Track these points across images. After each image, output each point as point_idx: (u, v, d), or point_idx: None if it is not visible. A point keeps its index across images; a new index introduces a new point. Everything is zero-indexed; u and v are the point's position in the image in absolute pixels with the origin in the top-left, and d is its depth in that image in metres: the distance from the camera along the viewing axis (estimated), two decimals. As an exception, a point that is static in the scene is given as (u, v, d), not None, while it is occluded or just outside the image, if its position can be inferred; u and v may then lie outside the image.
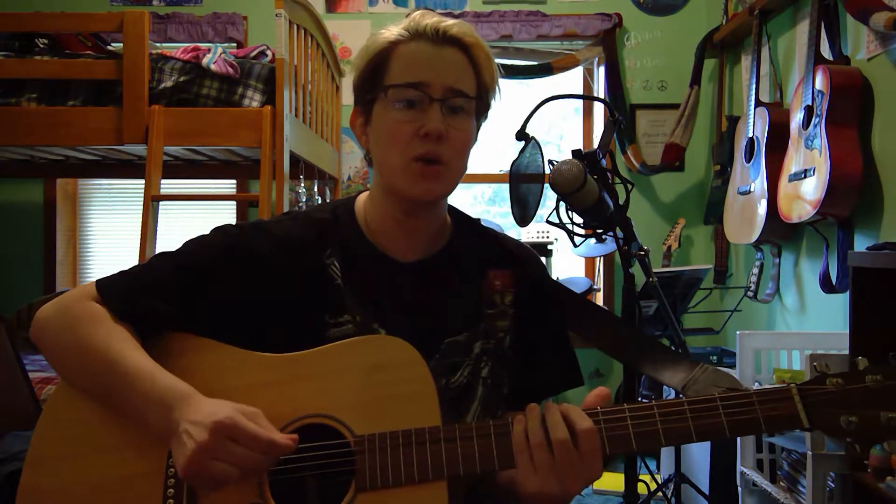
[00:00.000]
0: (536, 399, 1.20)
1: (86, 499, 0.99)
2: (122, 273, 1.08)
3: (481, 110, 1.11)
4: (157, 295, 1.05)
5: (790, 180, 2.59)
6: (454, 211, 1.20)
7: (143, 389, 0.98)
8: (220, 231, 1.12)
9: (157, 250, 1.96)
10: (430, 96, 1.04)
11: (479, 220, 1.23)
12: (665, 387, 2.93)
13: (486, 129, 1.17)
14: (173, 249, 1.10)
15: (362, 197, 1.17)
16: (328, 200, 3.65)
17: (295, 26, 2.85)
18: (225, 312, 1.07)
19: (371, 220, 1.14)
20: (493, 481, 1.10)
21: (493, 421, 0.97)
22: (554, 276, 3.74)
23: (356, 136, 1.13)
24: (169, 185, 3.55)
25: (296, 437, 0.95)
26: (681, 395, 1.02)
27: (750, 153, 2.95)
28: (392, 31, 1.07)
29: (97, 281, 1.07)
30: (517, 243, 1.23)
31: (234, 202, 4.04)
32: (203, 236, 1.12)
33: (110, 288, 1.06)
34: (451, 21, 1.07)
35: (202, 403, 0.95)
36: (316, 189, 3.55)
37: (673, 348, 2.28)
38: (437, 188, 1.07)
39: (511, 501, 1.08)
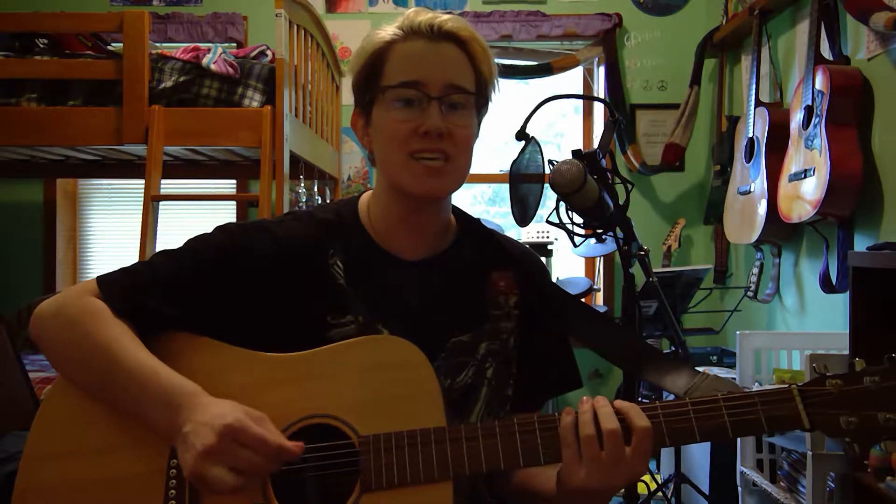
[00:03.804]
0: (537, 401, 1.20)
1: (85, 497, 0.99)
2: (123, 270, 1.08)
3: (481, 104, 1.10)
4: (159, 294, 1.04)
5: (790, 180, 2.59)
6: (458, 211, 1.20)
7: (146, 386, 0.97)
8: (221, 230, 1.11)
9: (157, 250, 1.96)
10: (427, 95, 1.03)
11: (479, 220, 1.23)
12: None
13: (486, 129, 1.17)
14: (175, 248, 1.10)
15: (366, 196, 1.17)
16: (328, 200, 3.65)
17: (295, 26, 2.85)
18: (226, 312, 1.06)
19: (375, 218, 1.13)
20: (507, 482, 1.10)
21: (499, 421, 0.97)
22: (554, 277, 3.74)
23: (358, 137, 1.13)
24: (169, 185, 3.54)
25: (302, 445, 0.94)
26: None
27: (750, 153, 2.95)
28: (387, 31, 1.07)
29: (98, 277, 1.06)
30: (520, 247, 1.23)
31: (234, 202, 4.04)
32: (205, 235, 1.11)
33: (111, 285, 1.05)
34: (445, 16, 1.07)
35: (209, 404, 0.95)
36: (316, 189, 3.54)
37: (673, 348, 2.28)
38: (441, 185, 1.07)
39: (528, 500, 1.08)
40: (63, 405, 1.04)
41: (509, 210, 1.71)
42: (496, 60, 1.13)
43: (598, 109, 4.14)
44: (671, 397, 1.00)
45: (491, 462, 0.94)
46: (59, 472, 1.00)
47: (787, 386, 0.93)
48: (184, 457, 0.92)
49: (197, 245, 1.09)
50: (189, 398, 0.95)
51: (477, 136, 1.12)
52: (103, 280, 1.06)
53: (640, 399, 2.51)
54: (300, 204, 3.33)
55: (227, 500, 0.95)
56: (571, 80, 4.15)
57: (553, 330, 1.19)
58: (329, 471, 0.97)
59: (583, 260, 4.07)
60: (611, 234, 1.67)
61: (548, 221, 1.68)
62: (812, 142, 2.46)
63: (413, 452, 0.95)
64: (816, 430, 0.92)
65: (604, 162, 1.63)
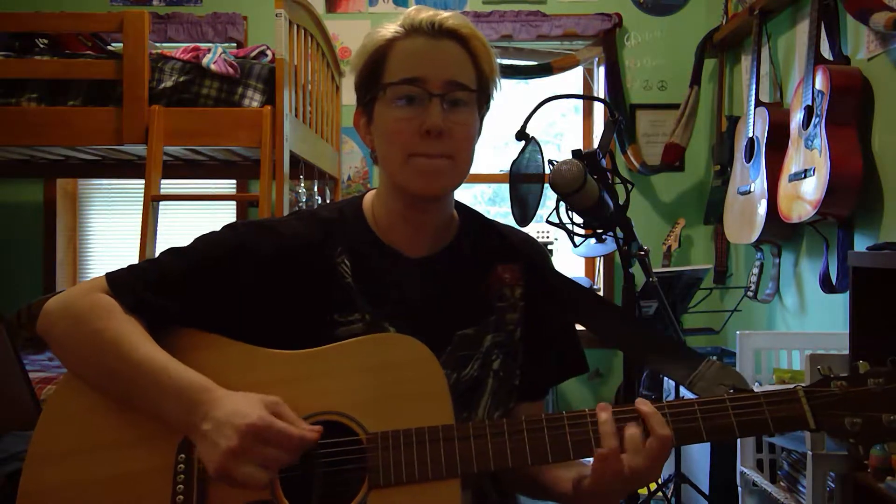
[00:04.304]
0: (543, 388, 1.20)
1: (92, 494, 0.99)
2: (131, 267, 1.08)
3: (483, 102, 1.10)
4: (167, 291, 1.05)
5: (790, 180, 2.59)
6: (460, 205, 1.20)
7: (158, 380, 0.97)
8: (230, 229, 1.12)
9: (157, 250, 1.96)
10: (429, 92, 1.03)
11: (481, 213, 1.23)
12: (664, 388, 2.93)
13: (487, 129, 1.17)
14: (183, 245, 1.10)
15: (370, 195, 1.18)
16: (328, 200, 3.65)
17: (295, 26, 2.85)
18: (233, 310, 1.07)
19: (379, 216, 1.14)
20: (521, 478, 1.10)
21: (507, 419, 0.97)
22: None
23: (360, 136, 1.13)
24: (169, 185, 3.55)
25: (320, 429, 0.95)
26: (682, 394, 1.02)
27: (750, 153, 2.95)
28: (388, 29, 1.07)
29: (107, 274, 1.07)
30: (524, 236, 1.23)
31: (234, 202, 4.04)
32: (213, 233, 1.11)
33: (120, 282, 1.06)
34: (446, 14, 1.07)
35: (225, 398, 0.95)
36: (316, 189, 3.54)
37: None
38: (441, 184, 1.07)
39: (538, 492, 1.09)
40: (69, 403, 1.04)
41: (509, 210, 1.71)
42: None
43: (598, 109, 4.14)
44: (671, 396, 1.01)
45: (499, 460, 0.95)
46: (64, 470, 1.00)
47: (792, 387, 0.94)
48: (207, 455, 0.92)
49: (204, 244, 1.10)
50: (203, 393, 0.96)
51: (479, 133, 1.12)
52: (112, 277, 1.06)
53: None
54: (300, 204, 3.34)
55: (235, 497, 0.95)
56: (571, 80, 4.15)
57: (558, 318, 1.19)
58: (337, 467, 0.97)
59: (583, 260, 4.07)
60: (611, 234, 1.67)
61: (548, 221, 1.68)
62: (812, 142, 2.46)
63: (421, 450, 0.95)
64: (821, 431, 0.93)
65: (604, 162, 1.63)
